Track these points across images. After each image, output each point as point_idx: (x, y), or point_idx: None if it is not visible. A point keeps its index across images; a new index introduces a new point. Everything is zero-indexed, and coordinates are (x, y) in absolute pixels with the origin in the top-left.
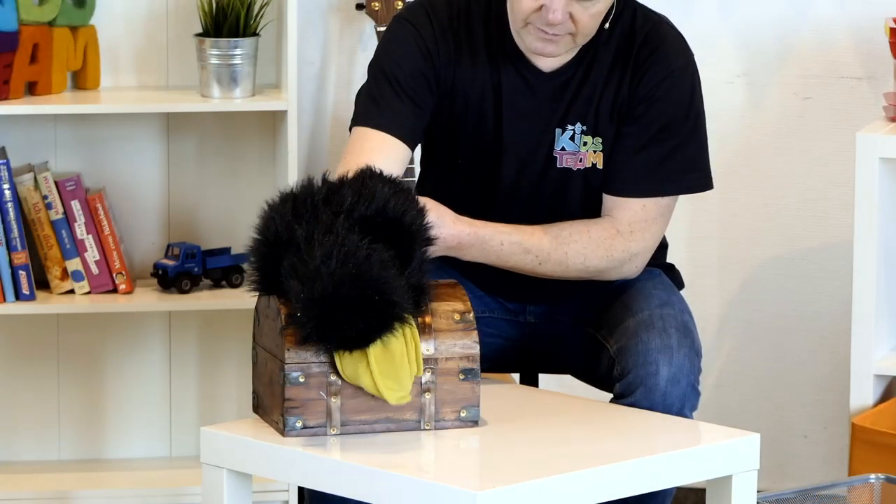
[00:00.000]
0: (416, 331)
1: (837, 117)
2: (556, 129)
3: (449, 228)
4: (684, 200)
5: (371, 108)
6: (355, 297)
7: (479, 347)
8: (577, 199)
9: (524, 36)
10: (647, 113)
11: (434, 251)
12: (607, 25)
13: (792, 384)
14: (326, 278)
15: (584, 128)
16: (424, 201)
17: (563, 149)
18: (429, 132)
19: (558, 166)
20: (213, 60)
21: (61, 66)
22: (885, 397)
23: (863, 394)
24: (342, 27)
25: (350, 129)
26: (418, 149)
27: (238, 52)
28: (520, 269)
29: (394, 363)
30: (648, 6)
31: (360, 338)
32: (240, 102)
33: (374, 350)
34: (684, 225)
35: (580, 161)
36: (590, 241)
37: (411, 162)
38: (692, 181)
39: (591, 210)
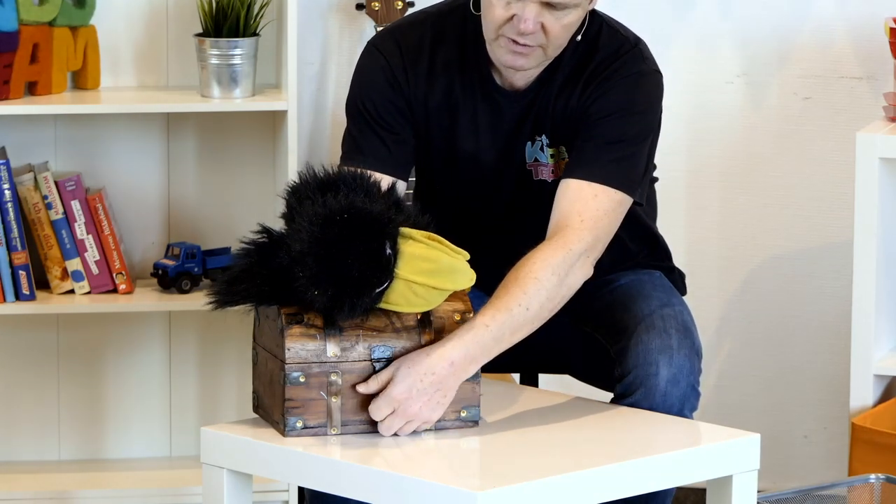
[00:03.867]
0: (416, 233)
1: (837, 117)
2: (527, 143)
3: (437, 363)
4: (684, 201)
5: (354, 149)
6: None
7: None
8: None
9: (496, 49)
10: (598, 108)
11: (452, 396)
12: (579, 38)
13: (792, 384)
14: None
15: (547, 140)
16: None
17: (535, 160)
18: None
19: (535, 178)
20: (213, 60)
21: (61, 66)
22: (885, 397)
23: (863, 394)
24: (342, 27)
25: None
26: None
27: (238, 52)
28: (521, 328)
29: (431, 261)
30: (630, 18)
31: (384, 261)
32: (240, 102)
33: (405, 266)
34: (684, 225)
35: (552, 172)
36: (544, 254)
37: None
38: (632, 183)
39: None
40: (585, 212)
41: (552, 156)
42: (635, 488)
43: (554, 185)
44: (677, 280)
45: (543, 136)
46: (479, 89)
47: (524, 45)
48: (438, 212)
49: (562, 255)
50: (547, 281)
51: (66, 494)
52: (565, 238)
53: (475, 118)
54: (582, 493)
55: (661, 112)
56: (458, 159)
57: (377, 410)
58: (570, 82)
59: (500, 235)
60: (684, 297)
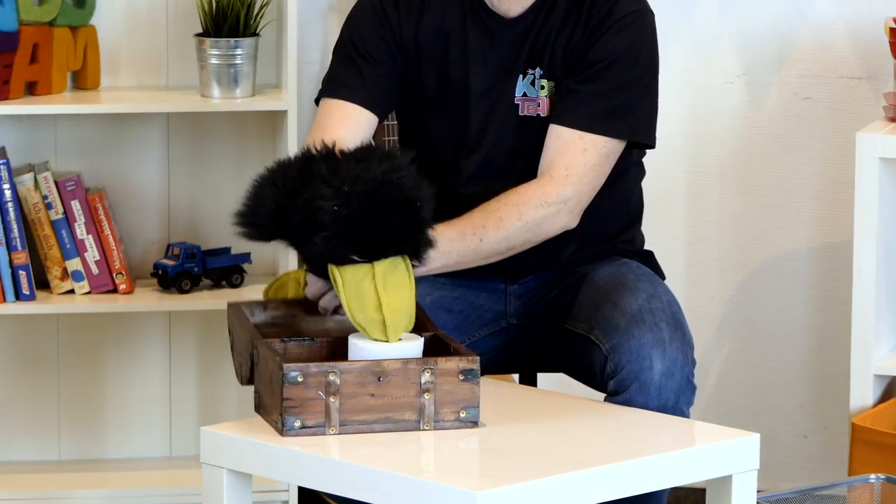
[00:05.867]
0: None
1: (837, 117)
2: (518, 76)
3: None
4: (684, 201)
5: (333, 79)
6: (394, 199)
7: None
8: (541, 149)
9: None
10: (596, 55)
11: None
12: None
13: (792, 384)
14: (364, 180)
15: (542, 71)
16: None
17: (524, 95)
18: (400, 101)
19: (520, 114)
20: (213, 60)
21: (61, 66)
22: (885, 397)
23: (863, 394)
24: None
25: (317, 103)
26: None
27: (238, 52)
28: (469, 257)
29: (399, 291)
30: None
31: (384, 243)
32: (240, 102)
33: (381, 268)
34: (684, 225)
35: (539, 107)
36: (519, 197)
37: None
38: (633, 128)
39: None
40: (573, 166)
41: (542, 88)
42: (635, 488)
43: (537, 122)
44: (655, 266)
45: (538, 69)
46: (471, 15)
47: None
48: (422, 154)
49: (535, 202)
50: (510, 223)
51: (66, 494)
52: (544, 188)
53: (466, 44)
54: (582, 493)
55: (657, 51)
56: (448, 90)
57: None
58: (570, 17)
59: (482, 180)
60: (678, 289)
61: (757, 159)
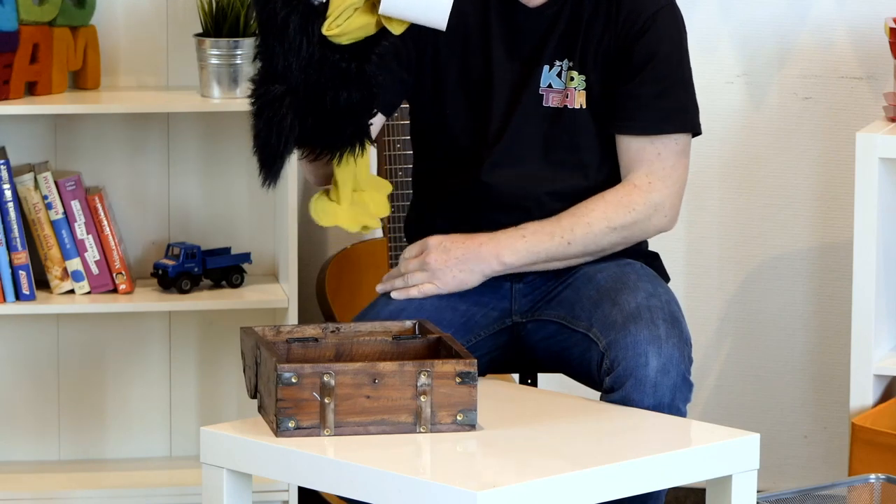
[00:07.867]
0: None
1: (837, 117)
2: (544, 66)
3: (470, 240)
4: (684, 201)
5: None
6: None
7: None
8: (568, 140)
9: None
10: (641, 55)
11: (471, 279)
12: None
13: (792, 384)
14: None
15: (571, 63)
16: (436, 241)
17: (549, 86)
18: (414, 91)
19: (544, 105)
20: (213, 60)
21: (61, 66)
22: (885, 397)
23: (863, 394)
24: None
25: None
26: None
27: (238, 52)
28: (557, 256)
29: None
30: None
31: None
32: (240, 102)
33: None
34: (684, 225)
35: (567, 98)
36: (607, 204)
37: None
38: (693, 119)
39: (584, 153)
40: (653, 173)
41: (572, 80)
42: (635, 488)
43: (565, 113)
44: (660, 267)
45: (566, 61)
46: (494, 4)
47: None
48: (440, 145)
49: (624, 209)
50: (598, 228)
51: (66, 494)
52: (631, 195)
53: (488, 33)
54: (582, 493)
55: (685, 36)
56: (469, 80)
57: (405, 262)
58: (600, 10)
59: (504, 168)
60: (679, 286)
61: (757, 159)
